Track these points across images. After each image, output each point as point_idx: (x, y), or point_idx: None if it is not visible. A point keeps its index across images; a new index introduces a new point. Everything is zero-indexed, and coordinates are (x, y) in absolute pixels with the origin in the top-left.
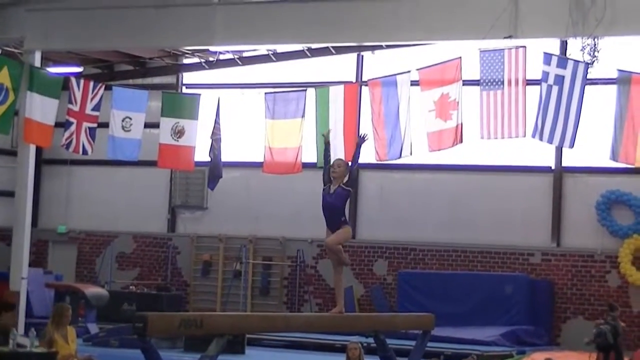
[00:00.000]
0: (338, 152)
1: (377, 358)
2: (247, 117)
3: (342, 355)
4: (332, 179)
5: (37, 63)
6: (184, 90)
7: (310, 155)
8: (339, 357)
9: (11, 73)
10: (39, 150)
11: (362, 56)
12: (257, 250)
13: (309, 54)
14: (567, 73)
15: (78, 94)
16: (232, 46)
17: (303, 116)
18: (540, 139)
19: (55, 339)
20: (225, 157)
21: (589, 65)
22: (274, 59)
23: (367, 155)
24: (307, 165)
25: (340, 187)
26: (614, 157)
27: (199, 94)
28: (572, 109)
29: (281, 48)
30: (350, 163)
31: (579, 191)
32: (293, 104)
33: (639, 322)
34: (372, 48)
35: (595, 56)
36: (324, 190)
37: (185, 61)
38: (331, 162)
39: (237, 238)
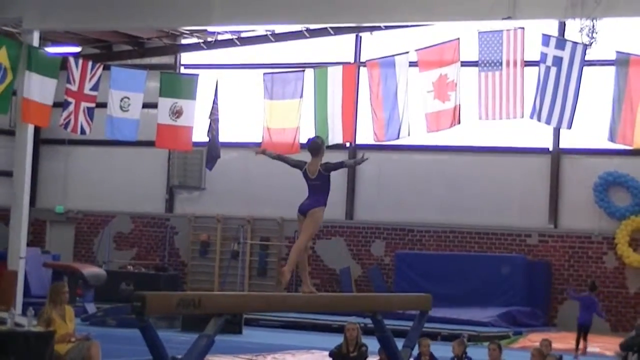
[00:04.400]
0: (336, 133)
1: (374, 338)
2: (246, 97)
3: (340, 335)
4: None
5: (36, 43)
6: (182, 70)
7: (308, 135)
8: (336, 337)
9: (9, 53)
10: (37, 130)
11: (361, 37)
12: (254, 231)
13: (307, 35)
14: (566, 54)
15: (76, 74)
16: (230, 26)
17: (301, 97)
18: (539, 120)
19: (53, 318)
20: (223, 137)
21: (587, 47)
22: (272, 39)
23: (365, 136)
24: (305, 146)
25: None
26: (612, 138)
27: (197, 74)
28: (570, 90)
29: (280, 28)
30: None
31: (577, 172)
32: (291, 84)
33: (635, 303)
34: (371, 29)
35: (593, 37)
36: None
37: (184, 41)
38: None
39: (235, 218)
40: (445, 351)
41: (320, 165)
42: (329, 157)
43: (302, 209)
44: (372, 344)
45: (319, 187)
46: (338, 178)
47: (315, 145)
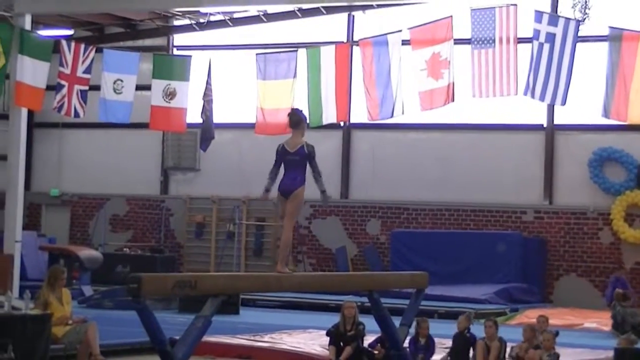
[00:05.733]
0: (330, 112)
1: (371, 317)
2: (239, 78)
3: (336, 314)
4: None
5: (28, 26)
6: (175, 52)
7: None
8: (333, 316)
9: (2, 36)
10: (30, 114)
11: (353, 16)
12: (250, 211)
13: (299, 14)
14: (559, 31)
15: (69, 57)
16: (222, 7)
17: (294, 77)
18: (532, 96)
19: (50, 301)
20: (217, 118)
21: (580, 23)
22: (264, 19)
23: (359, 115)
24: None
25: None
26: (606, 114)
27: (190, 56)
28: (563, 67)
29: (272, 9)
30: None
31: (571, 149)
32: (284, 64)
33: (631, 278)
34: (363, 7)
35: (586, 13)
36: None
37: (176, 23)
38: None
39: (230, 199)
40: (442, 329)
41: (307, 145)
42: (325, 135)
43: (283, 190)
44: (369, 322)
45: (297, 163)
46: (332, 157)
47: (297, 118)
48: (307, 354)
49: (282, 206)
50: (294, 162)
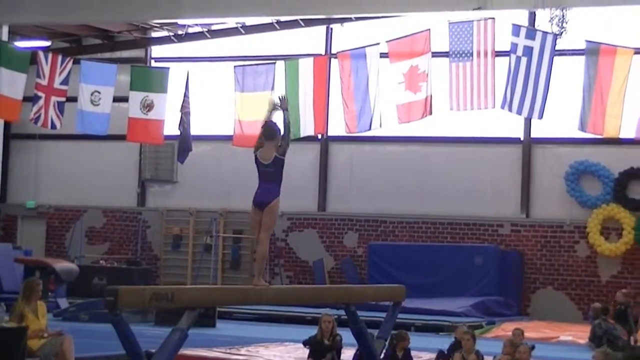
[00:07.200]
0: (308, 125)
1: (348, 330)
2: (217, 90)
3: (313, 327)
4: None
5: (5, 37)
6: (153, 63)
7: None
8: (310, 329)
9: None
10: (7, 125)
11: (332, 29)
12: (227, 224)
13: (278, 27)
14: (536, 44)
15: (46, 68)
16: (201, 19)
17: (273, 89)
18: (510, 110)
19: (26, 314)
20: (194, 130)
21: (558, 37)
22: (243, 32)
23: (337, 127)
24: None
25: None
26: (583, 127)
27: (168, 68)
28: (540, 80)
29: (250, 21)
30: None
31: (548, 162)
32: (262, 77)
33: (607, 291)
34: (341, 20)
35: (563, 27)
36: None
37: (154, 34)
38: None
39: (208, 211)
40: (419, 342)
41: (276, 150)
42: (303, 148)
43: (258, 202)
44: (346, 335)
45: (272, 174)
46: (309, 170)
47: (271, 131)
48: None
49: (256, 218)
50: (268, 173)
